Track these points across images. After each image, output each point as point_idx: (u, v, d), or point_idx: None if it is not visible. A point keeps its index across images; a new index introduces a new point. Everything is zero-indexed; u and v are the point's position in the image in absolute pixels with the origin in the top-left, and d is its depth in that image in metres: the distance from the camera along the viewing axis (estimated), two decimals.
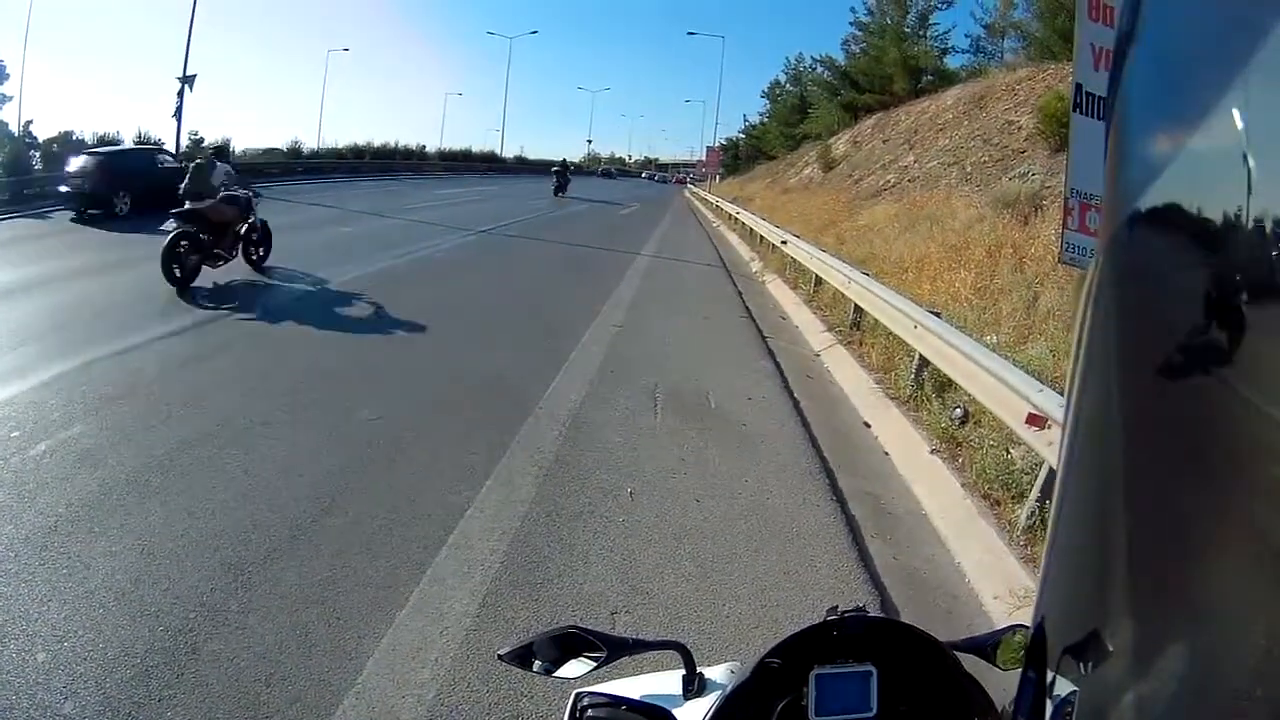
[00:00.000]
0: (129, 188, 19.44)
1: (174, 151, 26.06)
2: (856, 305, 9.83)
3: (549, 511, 5.05)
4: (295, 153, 40.29)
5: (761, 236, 19.53)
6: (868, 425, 7.25)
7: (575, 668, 1.37)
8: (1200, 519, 0.53)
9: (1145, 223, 0.60)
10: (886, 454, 6.56)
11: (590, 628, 1.36)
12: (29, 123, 28.72)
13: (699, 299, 13.25)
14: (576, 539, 4.72)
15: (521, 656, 1.38)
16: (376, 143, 51.09)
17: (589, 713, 1.41)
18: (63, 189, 19.37)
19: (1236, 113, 0.48)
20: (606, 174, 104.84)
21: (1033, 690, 0.82)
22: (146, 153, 23.26)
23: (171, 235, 10.27)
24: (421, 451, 5.92)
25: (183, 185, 10.88)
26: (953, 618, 4.12)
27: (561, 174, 42.47)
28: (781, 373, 8.64)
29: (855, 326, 9.96)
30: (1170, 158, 0.57)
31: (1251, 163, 0.45)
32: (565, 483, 5.50)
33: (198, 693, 3.35)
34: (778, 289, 14.53)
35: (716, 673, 1.47)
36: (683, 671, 1.43)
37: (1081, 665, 0.68)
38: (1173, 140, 0.57)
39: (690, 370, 8.56)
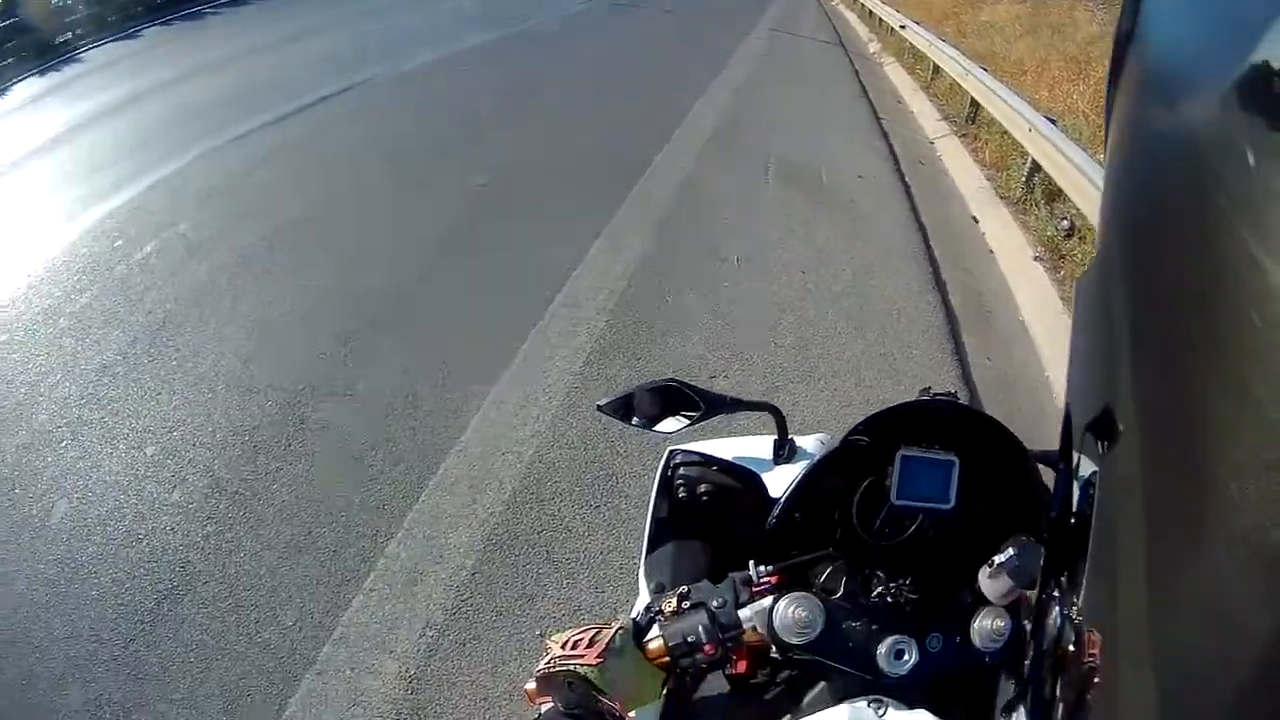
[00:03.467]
0: None
1: None
2: (973, 99, 9.36)
3: (657, 272, 5.12)
4: None
5: (881, 19, 18.28)
6: (975, 220, 7.04)
7: (672, 423, 1.40)
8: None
9: (1145, 219, 0.60)
10: (991, 252, 6.38)
11: (690, 382, 1.37)
12: None
13: (816, 75, 12.59)
14: (682, 300, 4.80)
15: (620, 408, 1.41)
16: None
17: (681, 470, 1.48)
18: None
19: (1237, 109, 0.47)
20: None
21: (1065, 479, 0.83)
22: None
23: None
24: (534, 211, 6.00)
25: None
26: (1035, 428, 4.07)
27: None
28: (894, 155, 8.32)
29: (970, 120, 9.56)
30: (1171, 154, 0.56)
31: (1252, 160, 0.44)
32: (674, 244, 5.55)
33: (304, 462, 3.60)
34: (895, 72, 13.81)
35: (807, 442, 1.50)
36: (774, 437, 1.46)
37: (1099, 444, 0.69)
38: (1173, 137, 0.56)
39: (804, 144, 8.31)
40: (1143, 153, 0.63)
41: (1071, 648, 0.72)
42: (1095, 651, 0.64)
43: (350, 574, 3.08)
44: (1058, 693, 0.75)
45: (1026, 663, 0.95)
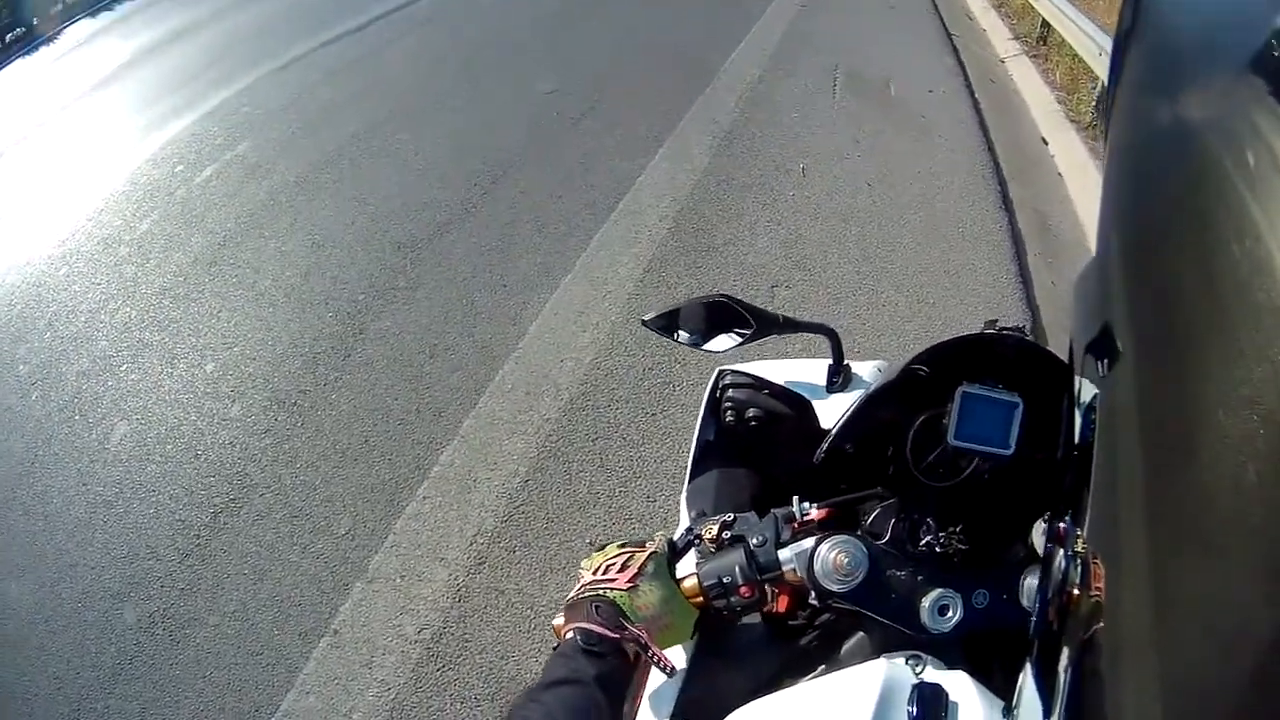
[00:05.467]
0: None
1: None
2: (1044, 20, 8.96)
3: (720, 181, 5.01)
4: None
5: None
6: (1045, 142, 6.75)
7: (722, 341, 1.32)
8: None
9: (1145, 218, 0.59)
10: (1060, 175, 6.11)
11: (741, 299, 1.26)
12: None
13: None
14: (745, 210, 4.69)
15: (666, 324, 1.33)
16: None
17: (730, 392, 1.39)
18: None
19: (1239, 109, 0.46)
20: None
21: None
22: None
23: None
24: (597, 119, 5.92)
25: None
26: None
27: None
28: (965, 72, 7.94)
29: (1041, 41, 9.18)
30: (1171, 153, 0.55)
31: (1252, 160, 0.43)
32: (738, 154, 5.42)
33: (363, 372, 3.61)
34: None
35: (863, 368, 1.39)
36: (829, 361, 1.35)
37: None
38: (1173, 135, 0.55)
39: (872, 55, 7.97)
40: (1143, 150, 0.62)
41: (1077, 584, 0.69)
42: (1100, 585, 0.62)
43: (404, 481, 3.09)
44: (1065, 630, 0.72)
45: (1036, 603, 0.91)
